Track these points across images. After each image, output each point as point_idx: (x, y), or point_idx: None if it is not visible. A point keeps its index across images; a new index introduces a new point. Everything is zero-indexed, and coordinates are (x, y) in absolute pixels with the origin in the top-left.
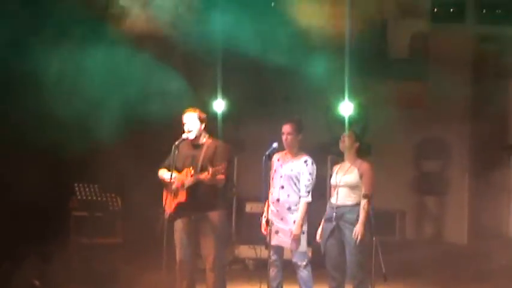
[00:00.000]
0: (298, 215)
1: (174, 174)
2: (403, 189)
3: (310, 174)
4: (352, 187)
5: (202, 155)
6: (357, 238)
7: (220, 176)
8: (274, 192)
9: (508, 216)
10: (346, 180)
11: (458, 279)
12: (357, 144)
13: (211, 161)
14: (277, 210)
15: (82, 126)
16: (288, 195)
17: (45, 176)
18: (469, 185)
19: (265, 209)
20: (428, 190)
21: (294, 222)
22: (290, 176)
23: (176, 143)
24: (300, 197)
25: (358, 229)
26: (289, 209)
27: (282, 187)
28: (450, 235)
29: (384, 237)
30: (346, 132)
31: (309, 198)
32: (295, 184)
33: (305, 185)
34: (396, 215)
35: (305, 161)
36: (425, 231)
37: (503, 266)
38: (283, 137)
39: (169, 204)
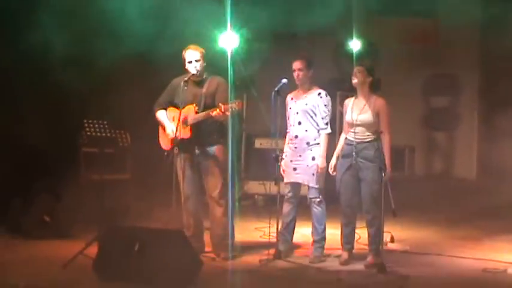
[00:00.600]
0: (321, 148)
1: (176, 111)
2: (412, 125)
3: (325, 105)
4: (369, 125)
5: (204, 91)
6: (385, 175)
7: (227, 113)
8: (292, 129)
9: None
10: (363, 119)
11: (466, 215)
12: (369, 79)
13: (213, 97)
14: (296, 147)
15: (88, 62)
16: (306, 130)
17: (54, 114)
18: (478, 121)
19: (285, 147)
20: (437, 126)
21: (313, 158)
22: (306, 110)
23: (186, 78)
24: (318, 131)
25: (387, 167)
26: (308, 144)
27: (300, 123)
28: (459, 170)
29: (393, 173)
30: (357, 67)
31: (329, 130)
32: (312, 117)
33: (322, 118)
34: (405, 151)
35: (319, 94)
36: (434, 167)
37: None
38: (295, 74)
39: (167, 141)
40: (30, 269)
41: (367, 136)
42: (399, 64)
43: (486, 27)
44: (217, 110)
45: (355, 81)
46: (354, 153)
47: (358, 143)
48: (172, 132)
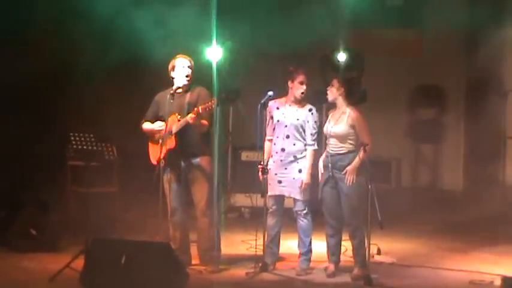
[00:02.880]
0: (306, 163)
1: (162, 123)
2: (398, 137)
3: (315, 122)
4: (341, 137)
5: (187, 100)
6: (348, 181)
7: (204, 121)
8: (278, 142)
9: (503, 163)
10: (335, 131)
11: (453, 226)
12: (342, 90)
13: (196, 105)
14: (281, 160)
15: (75, 75)
16: (294, 144)
17: (41, 126)
18: (464, 132)
19: (265, 156)
20: (423, 137)
21: (300, 171)
22: (296, 125)
23: (171, 91)
24: (305, 145)
25: (348, 170)
26: (294, 157)
27: (288, 137)
28: (445, 182)
29: (380, 185)
30: (331, 84)
31: (316, 146)
32: (300, 133)
33: (311, 134)
34: (392, 163)
35: (310, 110)
36: (421, 179)
37: (498, 213)
38: (301, 87)
39: (156, 154)
40: (16, 282)
41: (341, 148)
42: (384, 76)
43: (471, 38)
44: (191, 114)
45: (330, 98)
46: (329, 164)
47: (332, 154)
48: (162, 127)
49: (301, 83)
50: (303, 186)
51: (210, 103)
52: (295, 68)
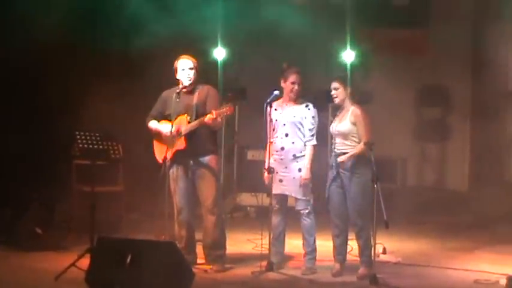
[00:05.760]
0: (306, 159)
1: (169, 124)
2: (404, 137)
3: (313, 117)
4: (345, 135)
5: (195, 101)
6: (342, 161)
7: (220, 119)
8: (278, 141)
9: (508, 162)
10: (339, 129)
11: (458, 226)
12: (348, 90)
13: (204, 106)
14: (282, 159)
15: (81, 73)
16: (293, 143)
17: (46, 125)
18: (470, 131)
19: (266, 159)
20: (429, 137)
21: (300, 170)
22: (294, 122)
23: (177, 90)
24: (304, 144)
25: (344, 157)
26: (294, 156)
27: (286, 135)
28: (451, 182)
29: (386, 185)
30: (332, 84)
31: (315, 141)
32: (299, 130)
33: (309, 129)
34: (397, 162)
35: (306, 106)
36: (427, 178)
37: (503, 213)
38: (292, 87)
39: (162, 152)
40: (22, 281)
41: (347, 146)
42: (391, 75)
43: (477, 38)
44: (210, 115)
45: (336, 100)
46: (334, 164)
47: (337, 154)
48: (170, 131)
49: (293, 83)
50: (302, 181)
51: (225, 109)
52: (288, 66)
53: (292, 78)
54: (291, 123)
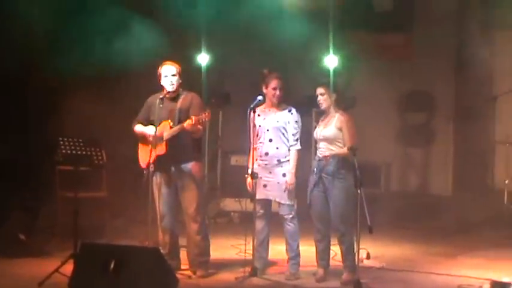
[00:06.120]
0: (291, 163)
1: (153, 127)
2: (388, 141)
3: (296, 122)
4: (330, 140)
5: (178, 107)
6: (326, 156)
7: (200, 126)
8: (262, 147)
9: (492, 168)
10: (324, 134)
11: (442, 231)
12: (334, 96)
13: (187, 112)
14: (266, 164)
15: (65, 79)
16: (277, 148)
17: (30, 131)
18: (453, 136)
19: (250, 164)
20: (413, 142)
21: (284, 175)
22: (277, 127)
23: (161, 96)
24: (288, 149)
25: (328, 153)
26: (278, 161)
27: (270, 140)
28: (435, 187)
29: (369, 190)
30: (318, 90)
31: (299, 146)
32: (283, 135)
33: (293, 134)
34: (381, 167)
35: (289, 111)
36: (410, 183)
37: (487, 218)
38: (274, 92)
39: (146, 157)
40: (6, 287)
41: (331, 152)
42: (374, 80)
43: (461, 43)
44: (189, 121)
45: (322, 106)
46: (316, 168)
47: (320, 159)
48: (154, 131)
49: (274, 89)
50: (287, 186)
51: (203, 115)
52: (269, 72)
53: (274, 83)
54: (274, 128)
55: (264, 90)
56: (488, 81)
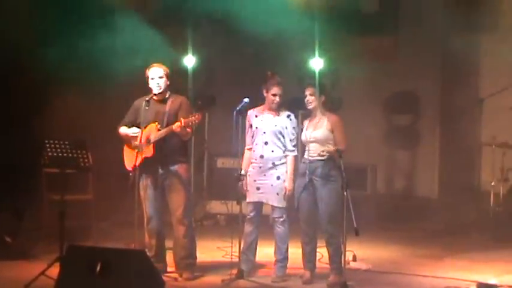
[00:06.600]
0: (288, 170)
1: (138, 129)
2: (374, 143)
3: (294, 128)
4: (322, 142)
5: (167, 109)
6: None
7: (188, 129)
8: (257, 149)
9: (478, 170)
10: (316, 136)
11: (428, 233)
12: (322, 98)
13: (176, 115)
14: (260, 167)
15: (52, 82)
16: (273, 151)
17: (16, 133)
18: (439, 138)
19: (243, 167)
20: (399, 144)
21: (278, 177)
22: (274, 131)
23: (147, 98)
24: (284, 152)
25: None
26: (273, 164)
27: (266, 143)
28: (421, 189)
29: (356, 192)
30: (307, 90)
31: (296, 152)
32: (279, 139)
33: (290, 140)
34: (368, 169)
35: (288, 116)
36: (396, 185)
37: (473, 220)
38: (274, 99)
39: (132, 159)
40: None
41: (321, 153)
42: (360, 82)
43: (447, 45)
44: (178, 123)
45: (310, 106)
46: (307, 171)
47: (311, 161)
48: (138, 133)
49: (274, 95)
50: (286, 193)
51: (193, 118)
52: (272, 75)
53: (274, 90)
54: (271, 131)
55: (264, 94)
56: (474, 82)
